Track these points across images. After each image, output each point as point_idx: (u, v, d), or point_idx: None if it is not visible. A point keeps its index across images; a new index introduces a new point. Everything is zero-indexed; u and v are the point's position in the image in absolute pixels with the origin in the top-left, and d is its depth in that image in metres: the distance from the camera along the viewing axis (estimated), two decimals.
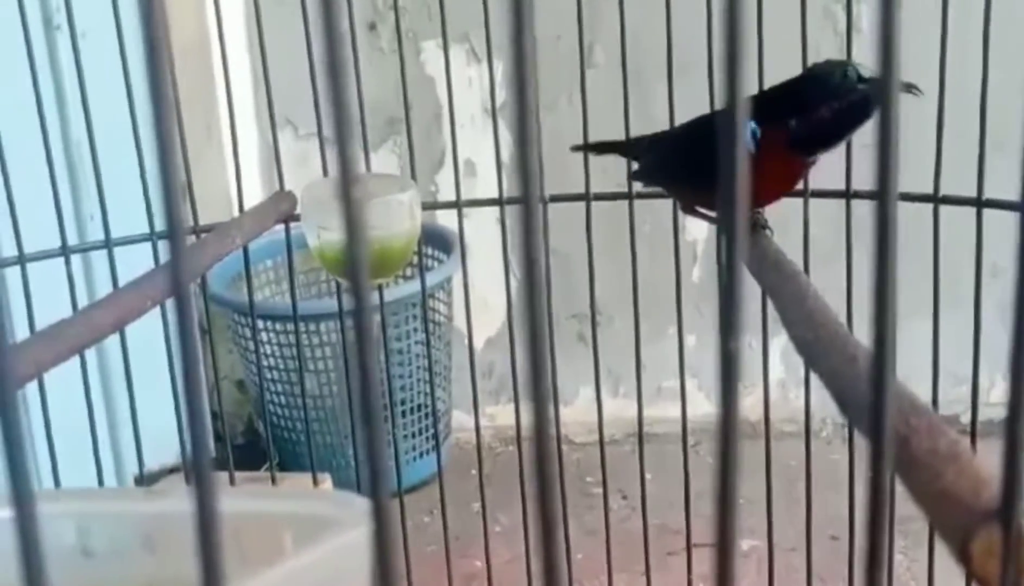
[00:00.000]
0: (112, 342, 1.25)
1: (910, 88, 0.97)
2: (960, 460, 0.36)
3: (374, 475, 0.27)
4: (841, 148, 1.18)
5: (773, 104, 1.00)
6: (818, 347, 0.54)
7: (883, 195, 0.23)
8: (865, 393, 0.27)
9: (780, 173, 1.02)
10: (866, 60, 1.00)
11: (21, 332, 0.98)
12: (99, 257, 1.22)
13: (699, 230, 2.24)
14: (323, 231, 1.12)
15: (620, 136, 1.26)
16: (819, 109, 0.99)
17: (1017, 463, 0.27)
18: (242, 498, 0.49)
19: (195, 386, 0.25)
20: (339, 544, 0.45)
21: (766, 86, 1.19)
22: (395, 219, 1.13)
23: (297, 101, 1.29)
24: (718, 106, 1.20)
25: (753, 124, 0.99)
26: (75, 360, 1.15)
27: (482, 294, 2.02)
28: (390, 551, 0.27)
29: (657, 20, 1.20)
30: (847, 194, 1.20)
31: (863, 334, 0.63)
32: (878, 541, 0.25)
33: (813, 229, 1.23)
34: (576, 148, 1.24)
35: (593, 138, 1.26)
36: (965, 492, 0.33)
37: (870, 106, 0.98)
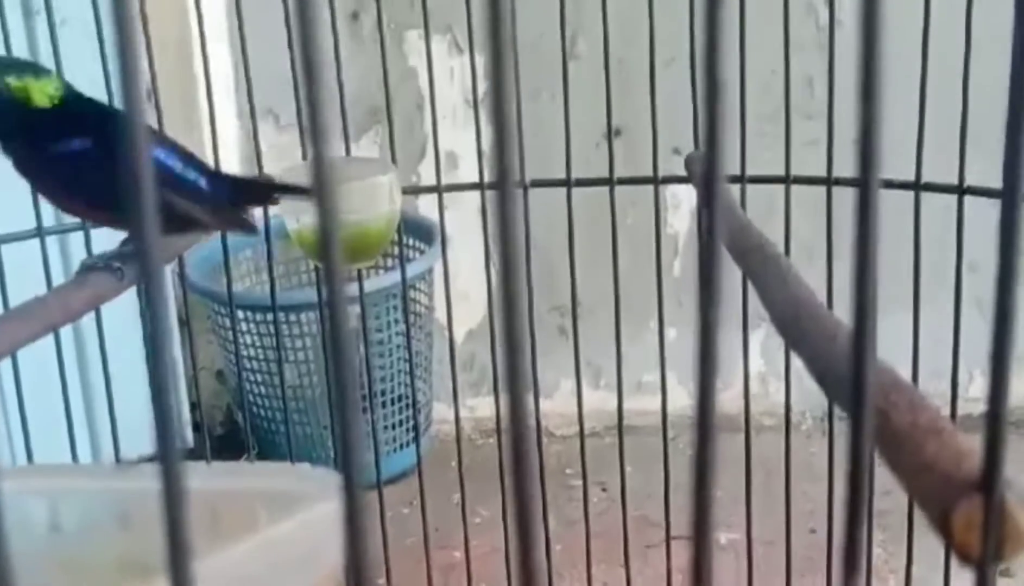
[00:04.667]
0: (89, 331, 1.24)
1: None
2: (942, 434, 0.36)
3: (347, 452, 0.26)
4: (824, 140, 1.18)
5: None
6: (799, 326, 0.54)
7: (866, 146, 0.23)
8: (845, 369, 0.27)
9: None
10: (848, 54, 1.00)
11: None
12: (76, 240, 1.21)
13: (680, 223, 2.24)
14: (301, 215, 1.11)
15: (603, 128, 1.25)
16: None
17: (999, 434, 0.27)
18: (215, 475, 0.49)
19: (165, 352, 0.24)
20: (310, 517, 0.44)
21: (748, 83, 1.19)
22: (375, 202, 1.13)
23: (278, 91, 1.28)
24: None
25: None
26: (52, 351, 1.14)
27: (463, 286, 2.01)
28: (362, 531, 0.26)
29: (640, 12, 1.20)
30: (828, 181, 1.20)
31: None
32: (859, 508, 0.25)
33: (793, 219, 1.23)
34: None
35: (577, 130, 1.25)
36: (946, 464, 0.33)
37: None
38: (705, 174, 0.25)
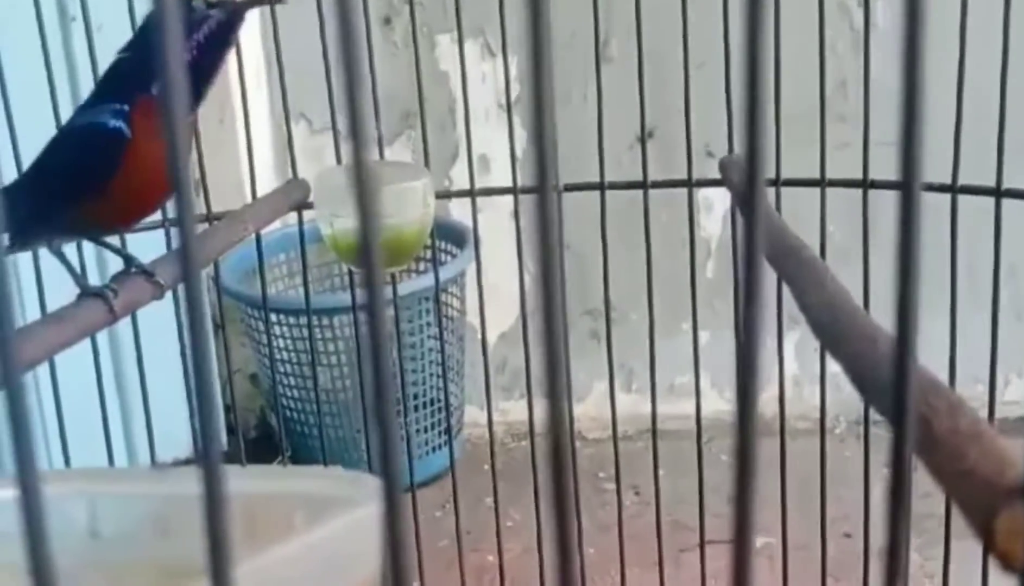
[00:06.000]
0: (125, 336, 1.25)
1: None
2: (983, 440, 0.36)
3: (385, 454, 0.26)
4: (858, 143, 1.17)
5: (127, 75, 0.90)
6: (837, 330, 0.54)
7: (908, 146, 0.23)
8: (885, 374, 0.27)
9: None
10: (882, 56, 1.00)
11: (33, 319, 0.98)
12: None
13: (713, 226, 2.23)
14: (335, 219, 1.11)
15: (636, 130, 1.25)
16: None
17: None
18: (253, 479, 0.49)
19: (205, 361, 0.25)
20: (348, 522, 0.44)
21: (782, 86, 1.19)
22: (408, 206, 1.13)
23: (311, 95, 1.29)
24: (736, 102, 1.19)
25: (117, 105, 0.88)
26: (88, 355, 1.15)
27: (495, 289, 2.01)
28: (401, 532, 0.26)
29: (673, 14, 1.20)
30: (864, 184, 1.19)
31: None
32: (900, 514, 0.25)
33: (828, 223, 1.22)
34: None
35: (609, 133, 1.25)
36: (988, 471, 0.33)
37: (231, 27, 0.90)
38: (746, 179, 0.25)
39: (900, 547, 0.25)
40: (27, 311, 1.26)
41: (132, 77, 0.89)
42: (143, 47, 0.91)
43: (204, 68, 0.90)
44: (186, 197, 0.27)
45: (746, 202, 0.25)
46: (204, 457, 0.24)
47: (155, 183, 0.88)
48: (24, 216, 0.91)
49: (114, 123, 0.87)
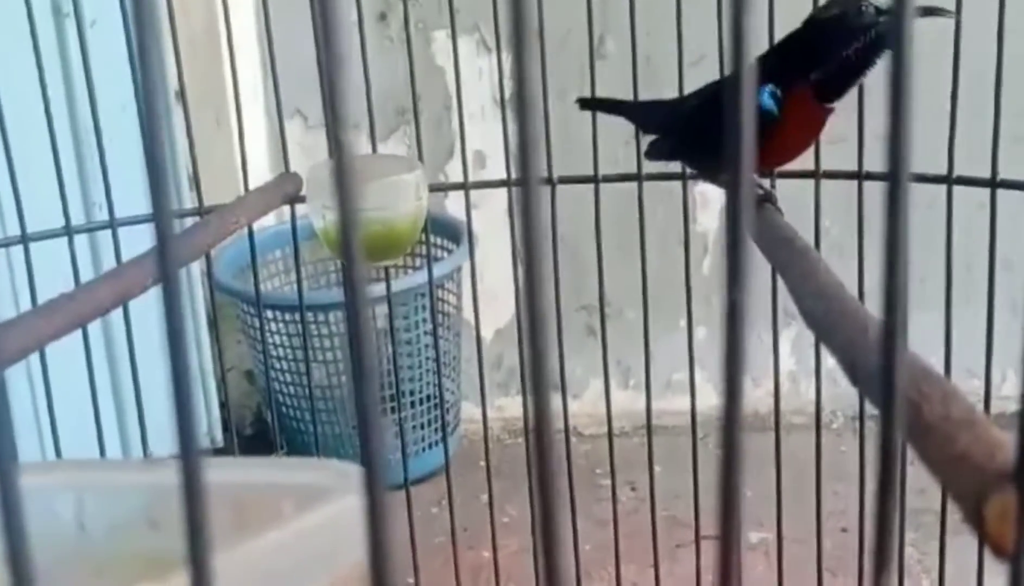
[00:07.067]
0: (118, 329, 1.25)
1: (934, 11, 0.97)
2: (975, 426, 0.35)
3: (367, 445, 0.26)
4: (853, 134, 1.17)
5: (789, 59, 1.00)
6: (830, 319, 0.53)
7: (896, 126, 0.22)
8: (876, 361, 0.26)
9: (807, 128, 1.03)
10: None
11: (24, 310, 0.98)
12: (105, 241, 1.22)
13: (710, 221, 2.23)
14: (328, 211, 1.11)
15: (630, 127, 1.25)
16: (841, 55, 0.98)
17: None
18: (239, 469, 0.49)
19: (181, 352, 0.24)
20: (335, 511, 0.44)
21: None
22: (401, 199, 1.12)
23: (307, 91, 1.28)
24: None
25: (772, 86, 0.98)
26: (80, 348, 1.15)
27: (491, 285, 2.01)
28: (382, 526, 0.26)
29: (668, 10, 1.19)
30: (859, 175, 1.19)
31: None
32: (889, 501, 0.24)
33: (823, 218, 1.22)
34: (582, 103, 1.23)
35: (605, 130, 1.25)
36: (979, 456, 0.33)
37: (887, 40, 0.96)
38: (731, 163, 0.25)
39: (889, 531, 0.25)
40: (20, 303, 1.26)
41: (794, 61, 1.00)
42: (815, 34, 1.01)
43: (854, 68, 0.99)
44: (164, 185, 0.26)
45: (732, 191, 0.25)
46: (181, 438, 0.24)
47: (786, 157, 1.05)
48: (669, 147, 1.13)
49: (768, 103, 0.98)
